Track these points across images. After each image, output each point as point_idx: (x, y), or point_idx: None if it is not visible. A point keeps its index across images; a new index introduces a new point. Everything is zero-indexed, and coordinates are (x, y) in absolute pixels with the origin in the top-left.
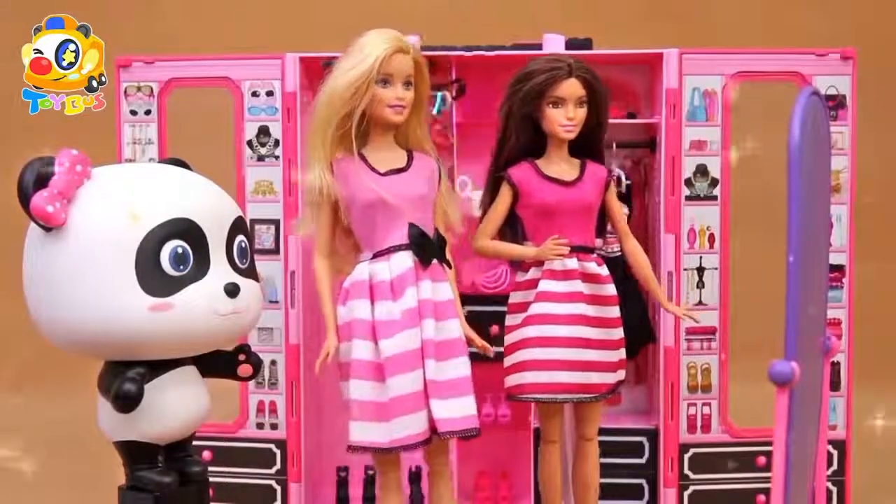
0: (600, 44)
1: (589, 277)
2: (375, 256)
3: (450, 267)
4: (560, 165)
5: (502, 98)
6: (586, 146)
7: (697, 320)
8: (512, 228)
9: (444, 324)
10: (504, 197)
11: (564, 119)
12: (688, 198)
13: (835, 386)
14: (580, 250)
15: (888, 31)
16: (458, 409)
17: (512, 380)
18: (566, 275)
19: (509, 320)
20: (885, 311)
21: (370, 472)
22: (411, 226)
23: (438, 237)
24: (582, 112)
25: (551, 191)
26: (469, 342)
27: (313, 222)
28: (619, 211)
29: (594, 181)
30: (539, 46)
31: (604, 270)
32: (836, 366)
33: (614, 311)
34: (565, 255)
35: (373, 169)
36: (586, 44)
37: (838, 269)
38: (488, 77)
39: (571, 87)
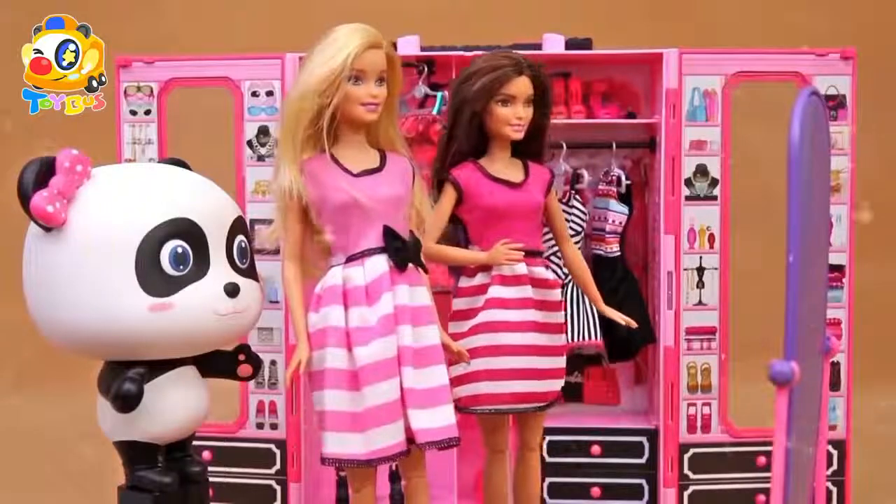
0: (600, 44)
1: (537, 282)
2: (349, 260)
3: (425, 271)
4: (504, 166)
5: (450, 96)
6: (529, 146)
7: (633, 326)
8: (453, 231)
9: (422, 330)
10: (448, 199)
11: (514, 118)
12: (688, 198)
13: (835, 386)
14: (528, 254)
15: (888, 31)
16: (437, 419)
17: (463, 391)
18: (516, 280)
19: (454, 328)
20: (885, 311)
21: None
22: (386, 228)
23: (413, 240)
24: (529, 111)
25: (500, 193)
26: (445, 349)
27: (282, 226)
28: (560, 213)
29: (539, 183)
30: (539, 46)
31: (550, 274)
32: (836, 366)
33: (560, 317)
34: (519, 259)
35: (345, 169)
36: (586, 44)
37: (838, 269)
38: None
39: (522, 85)
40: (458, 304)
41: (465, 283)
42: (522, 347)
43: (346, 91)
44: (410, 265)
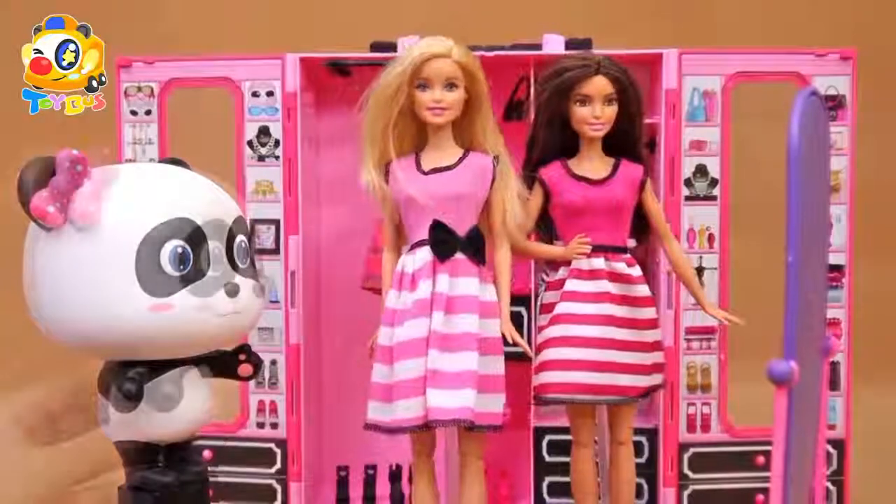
0: (600, 44)
1: (618, 277)
2: (410, 250)
3: (483, 264)
4: (591, 164)
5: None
6: (621, 144)
7: (733, 321)
8: (546, 229)
9: (455, 317)
10: (535, 197)
11: (591, 117)
12: (687, 198)
13: (834, 386)
14: (609, 250)
15: (888, 31)
16: (453, 400)
17: (536, 380)
18: (592, 274)
19: (540, 321)
20: (885, 311)
21: (370, 472)
22: (434, 222)
23: (469, 235)
24: (611, 110)
25: (578, 189)
26: (504, 340)
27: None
28: (657, 211)
29: (627, 180)
30: (539, 46)
31: (635, 271)
32: (835, 366)
33: (647, 312)
34: (587, 253)
35: (419, 168)
36: (586, 44)
37: (838, 269)
38: (488, 77)
39: (598, 85)
40: (545, 297)
41: (552, 277)
42: (596, 340)
43: (414, 97)
44: (462, 257)
